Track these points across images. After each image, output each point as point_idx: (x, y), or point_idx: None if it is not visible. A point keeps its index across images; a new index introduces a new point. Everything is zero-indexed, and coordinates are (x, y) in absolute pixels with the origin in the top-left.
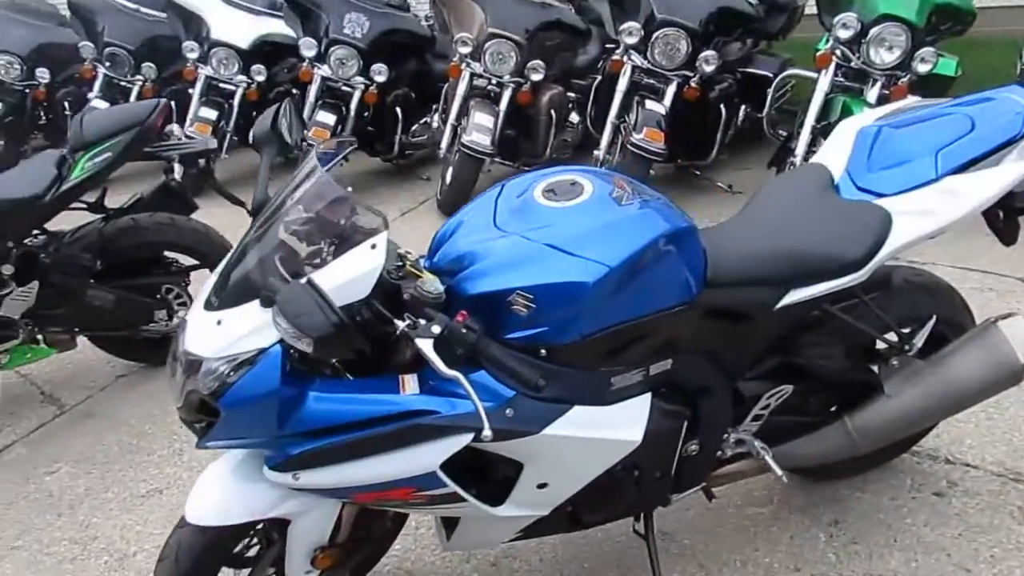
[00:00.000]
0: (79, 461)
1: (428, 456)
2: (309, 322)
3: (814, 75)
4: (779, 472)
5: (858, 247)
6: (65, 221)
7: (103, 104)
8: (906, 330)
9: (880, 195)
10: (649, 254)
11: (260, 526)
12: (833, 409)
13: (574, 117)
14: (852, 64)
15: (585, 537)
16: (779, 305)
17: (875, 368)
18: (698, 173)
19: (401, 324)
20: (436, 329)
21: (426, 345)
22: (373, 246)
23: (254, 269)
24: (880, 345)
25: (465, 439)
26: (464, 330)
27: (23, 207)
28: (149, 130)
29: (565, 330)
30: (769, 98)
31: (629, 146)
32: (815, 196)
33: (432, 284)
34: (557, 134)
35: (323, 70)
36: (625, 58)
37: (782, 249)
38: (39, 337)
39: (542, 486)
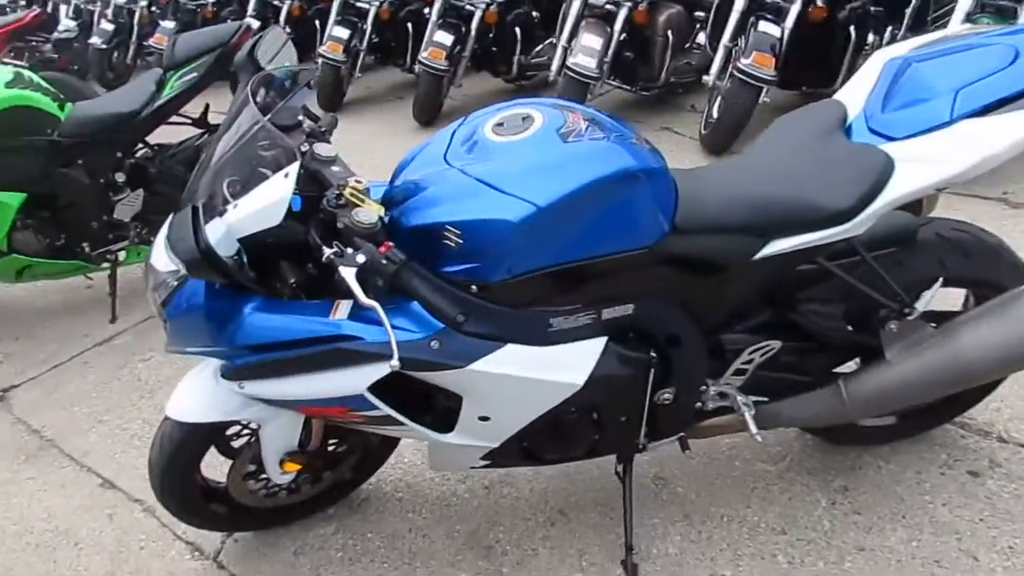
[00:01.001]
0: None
1: (353, 379)
2: (180, 247)
3: None
4: (754, 430)
5: (847, 196)
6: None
7: (169, 24)
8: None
9: (890, 138)
10: (589, 195)
11: (247, 424)
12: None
13: (701, 38)
14: None
15: (580, 474)
16: (758, 256)
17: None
18: None
19: (328, 251)
20: (360, 259)
21: (348, 273)
22: (286, 175)
23: (197, 193)
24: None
25: (386, 366)
26: (385, 261)
27: (124, 121)
28: (231, 51)
29: (494, 268)
30: (905, 20)
31: (735, 71)
32: (819, 138)
33: (365, 214)
34: (675, 57)
35: None
36: None
37: (762, 196)
38: (150, 240)
39: (484, 419)
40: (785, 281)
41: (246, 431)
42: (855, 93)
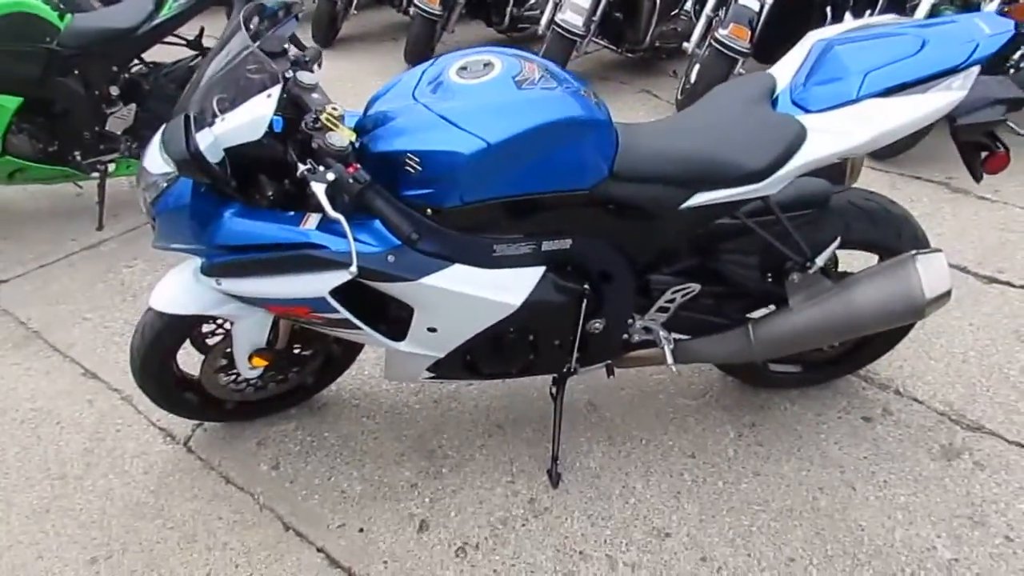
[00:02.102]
0: (151, 260)
1: (316, 283)
2: (172, 148)
3: None
4: (671, 361)
5: (762, 158)
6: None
7: None
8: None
9: (807, 111)
10: (535, 137)
11: (222, 321)
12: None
13: (689, 6)
14: None
15: (520, 394)
16: (684, 206)
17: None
18: None
19: (302, 167)
20: (330, 176)
21: (319, 188)
22: (268, 96)
23: (189, 107)
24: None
25: (345, 273)
26: (351, 180)
27: (121, 36)
28: None
29: (447, 195)
30: (878, 5)
31: (712, 41)
32: (747, 105)
33: (338, 138)
34: (661, 22)
35: None
36: None
37: (689, 151)
38: (139, 154)
39: (432, 330)
40: (709, 231)
41: (220, 331)
42: (786, 68)
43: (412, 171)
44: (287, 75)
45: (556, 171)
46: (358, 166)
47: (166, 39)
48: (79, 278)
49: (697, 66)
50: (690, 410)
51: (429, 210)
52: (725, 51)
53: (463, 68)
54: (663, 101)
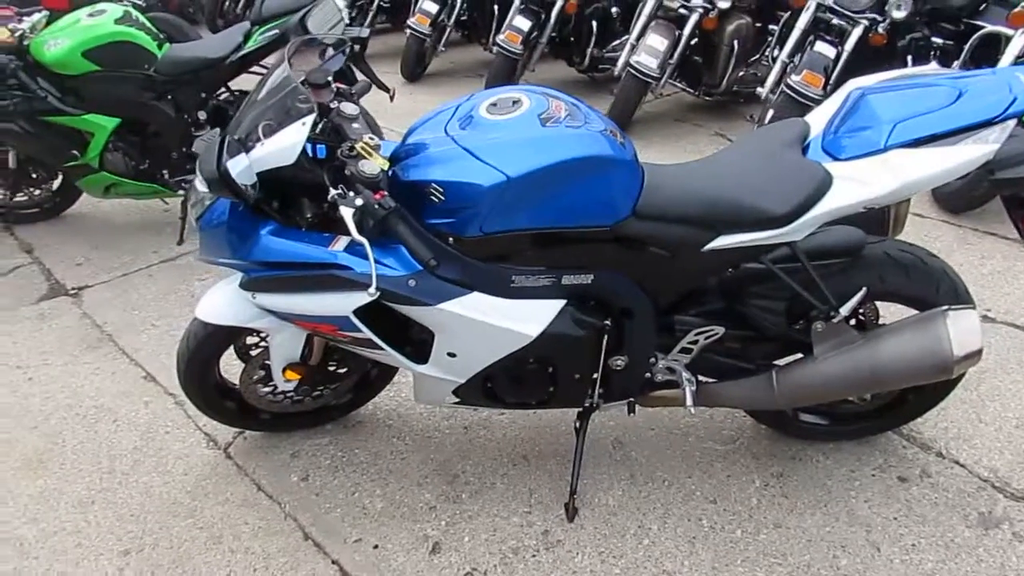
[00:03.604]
0: (224, 276)
1: (341, 302)
2: (204, 168)
3: (1009, 32)
4: (689, 403)
5: (786, 203)
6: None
7: None
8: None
9: (835, 158)
10: (555, 173)
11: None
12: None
13: (770, 51)
14: None
15: (548, 427)
16: (707, 248)
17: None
18: None
19: (333, 192)
20: (359, 201)
21: (347, 212)
22: (303, 124)
23: (239, 129)
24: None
25: (366, 295)
26: (377, 206)
27: (211, 65)
28: (311, 14)
29: (468, 224)
30: (963, 55)
31: (785, 87)
32: (778, 150)
33: (369, 166)
34: (739, 66)
35: None
36: None
37: (714, 194)
38: None
39: (451, 355)
40: (735, 275)
41: (263, 343)
42: (821, 115)
43: (436, 200)
44: (332, 106)
45: (577, 207)
46: (385, 193)
47: (252, 69)
48: (155, 288)
49: (771, 111)
50: (717, 455)
51: (451, 239)
52: (797, 97)
53: (493, 104)
54: None
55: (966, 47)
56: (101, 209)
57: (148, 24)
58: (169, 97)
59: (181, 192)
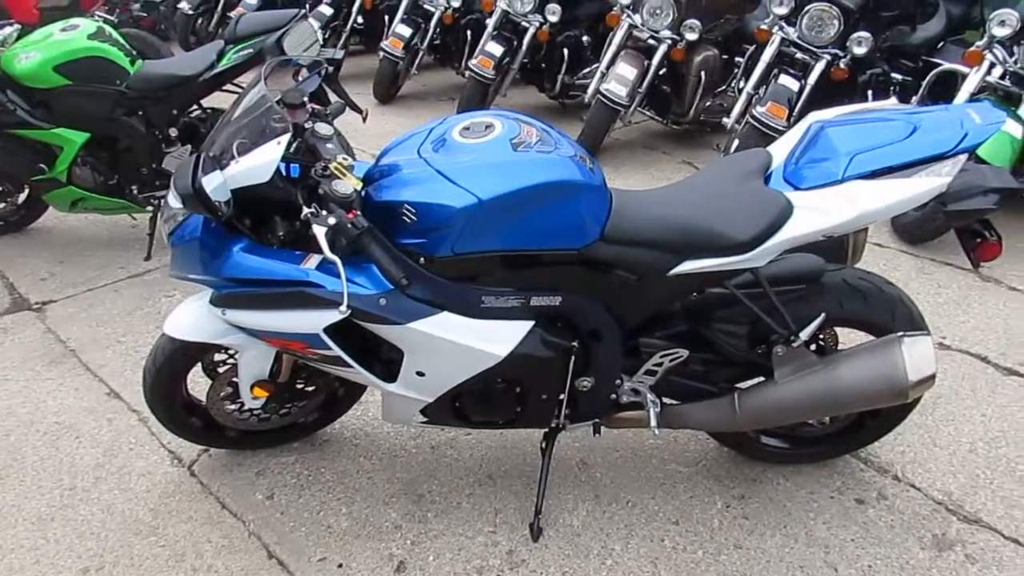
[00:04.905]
0: (189, 292)
1: (312, 319)
2: (179, 184)
3: (964, 71)
4: (653, 424)
5: (748, 230)
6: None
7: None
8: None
9: (796, 188)
10: (524, 196)
11: (233, 351)
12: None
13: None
14: (1008, 67)
15: (515, 447)
16: (672, 272)
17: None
18: None
19: (306, 210)
20: (331, 220)
21: (320, 231)
22: (278, 143)
23: (213, 146)
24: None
25: (337, 312)
26: (350, 225)
27: (184, 82)
28: (287, 35)
29: (439, 245)
30: (921, 91)
31: (750, 117)
32: (742, 178)
33: (343, 185)
34: (707, 97)
35: (504, 3)
36: (774, 29)
37: (680, 220)
38: None
39: (420, 374)
40: (699, 300)
41: (231, 360)
42: (782, 146)
43: (409, 220)
44: (306, 126)
45: (546, 230)
46: (358, 212)
47: (225, 87)
48: (121, 303)
49: (736, 141)
50: (681, 477)
51: (422, 259)
52: (762, 128)
53: (466, 128)
54: None
55: (924, 83)
56: (68, 223)
57: (121, 40)
58: (140, 113)
59: (150, 208)
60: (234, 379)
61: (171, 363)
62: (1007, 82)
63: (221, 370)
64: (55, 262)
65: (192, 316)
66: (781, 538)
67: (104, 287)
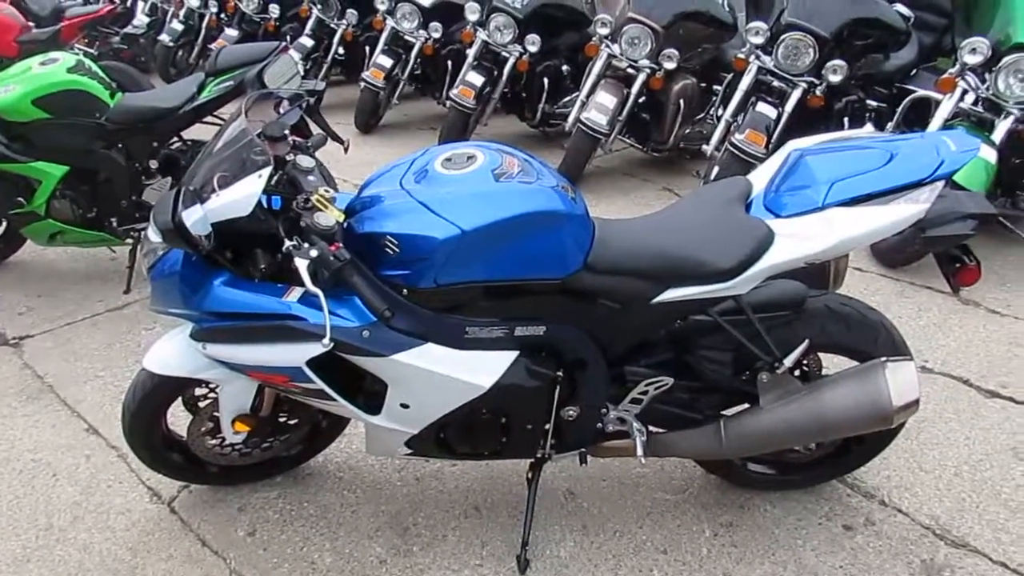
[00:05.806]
0: (170, 327)
1: (294, 353)
2: (159, 219)
3: (938, 97)
4: (640, 453)
5: (730, 258)
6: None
7: (233, 32)
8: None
9: (777, 216)
10: (507, 227)
11: (214, 385)
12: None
13: (714, 110)
14: (981, 93)
15: (501, 478)
16: (656, 300)
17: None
18: None
19: (288, 243)
20: (313, 253)
21: (302, 264)
22: (259, 176)
23: (194, 179)
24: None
25: (320, 345)
26: (332, 258)
27: (164, 115)
28: (268, 67)
29: (422, 276)
30: (896, 117)
31: (729, 144)
32: (723, 206)
33: (324, 218)
34: (686, 124)
35: (483, 34)
36: (751, 58)
37: (663, 248)
38: None
39: (404, 406)
40: (683, 328)
41: (212, 395)
42: (763, 174)
43: (391, 252)
44: (288, 158)
45: (529, 260)
46: (340, 245)
47: (205, 119)
48: (99, 337)
49: (716, 168)
50: (668, 505)
51: (405, 290)
52: (741, 155)
53: (448, 159)
54: None
55: (899, 110)
56: (45, 257)
57: (101, 73)
58: (120, 145)
59: (129, 240)
60: (215, 413)
61: (151, 398)
62: (980, 108)
63: (202, 405)
64: (33, 296)
65: (172, 350)
66: (770, 566)
67: (82, 321)
